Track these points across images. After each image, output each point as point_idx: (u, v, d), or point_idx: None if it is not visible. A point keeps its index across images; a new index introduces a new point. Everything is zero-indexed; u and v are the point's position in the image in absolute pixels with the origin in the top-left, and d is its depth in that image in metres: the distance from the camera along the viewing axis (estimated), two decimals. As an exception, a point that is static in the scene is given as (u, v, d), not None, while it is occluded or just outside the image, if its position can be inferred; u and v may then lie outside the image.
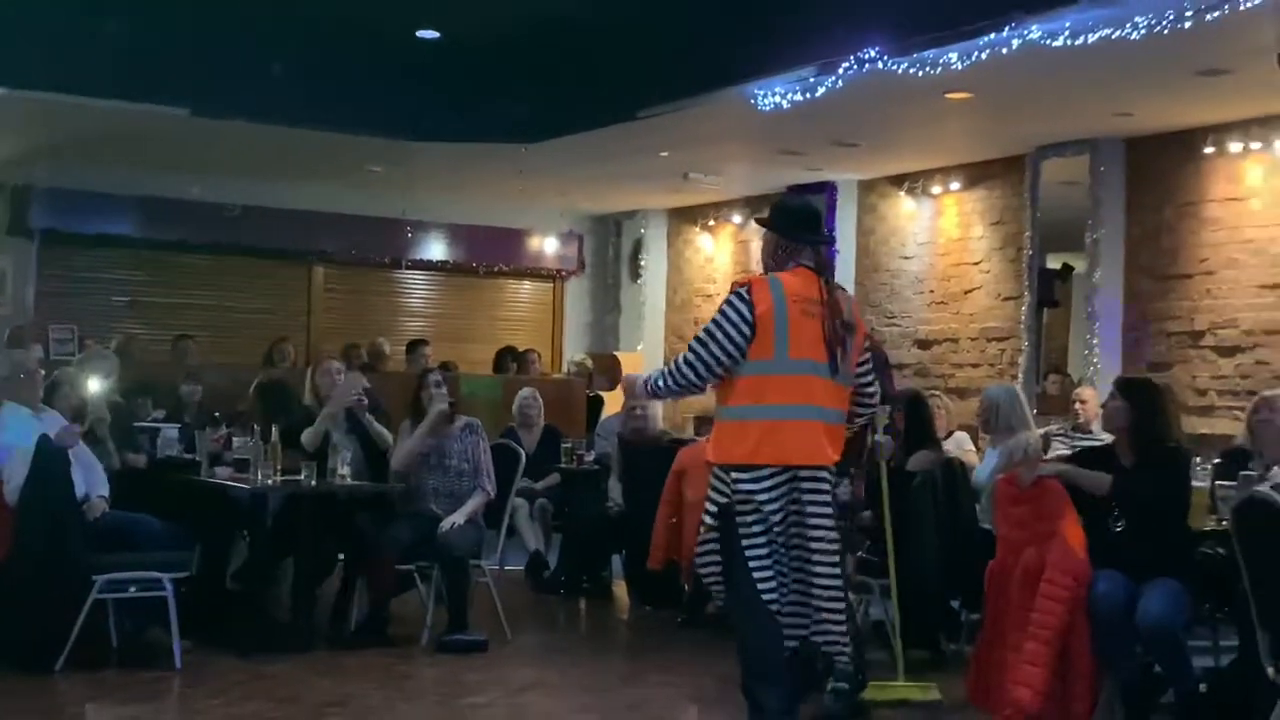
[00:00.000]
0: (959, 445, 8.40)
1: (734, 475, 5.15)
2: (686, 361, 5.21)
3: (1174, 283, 10.09)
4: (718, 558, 5.26)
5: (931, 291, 11.98)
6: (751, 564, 5.13)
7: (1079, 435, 8.53)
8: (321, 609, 7.34)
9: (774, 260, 5.41)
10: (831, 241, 5.68)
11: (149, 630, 6.83)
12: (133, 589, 6.50)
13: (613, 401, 11.61)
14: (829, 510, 5.21)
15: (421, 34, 10.46)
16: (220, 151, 11.87)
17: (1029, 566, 5.39)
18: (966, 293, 11.67)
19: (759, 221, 5.62)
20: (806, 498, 5.17)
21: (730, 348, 5.14)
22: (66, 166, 12.45)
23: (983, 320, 11.51)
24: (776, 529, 5.15)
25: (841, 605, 5.26)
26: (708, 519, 5.26)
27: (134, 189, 13.06)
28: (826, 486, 5.22)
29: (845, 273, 12.36)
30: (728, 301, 5.20)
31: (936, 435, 7.46)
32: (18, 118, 10.78)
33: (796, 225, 5.49)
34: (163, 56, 9.95)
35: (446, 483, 7.44)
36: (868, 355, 5.50)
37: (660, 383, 5.33)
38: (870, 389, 5.50)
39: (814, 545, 5.17)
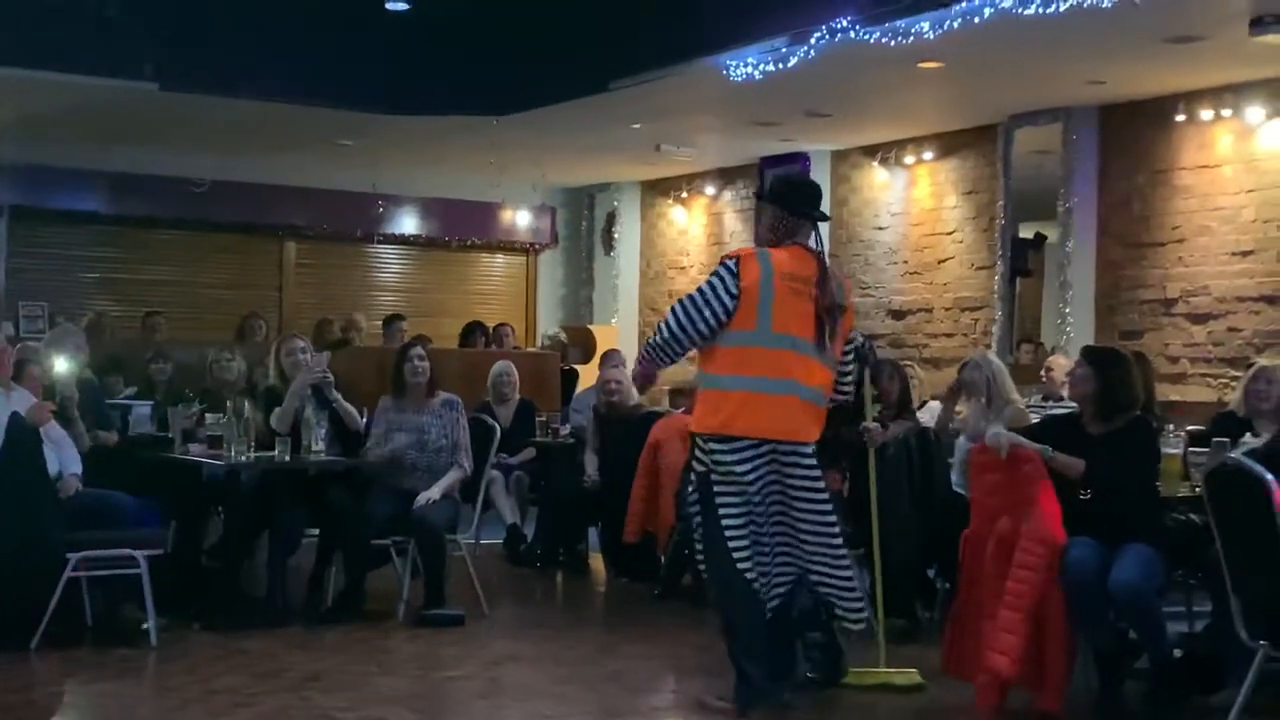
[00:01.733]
0: (933, 415, 8.40)
1: (710, 445, 5.18)
2: (667, 326, 5.26)
3: (1146, 251, 10.13)
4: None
5: (905, 262, 11.99)
6: (728, 534, 5.18)
7: (1050, 405, 8.53)
8: (297, 584, 7.32)
9: (773, 234, 5.42)
10: (827, 219, 5.69)
11: (124, 608, 6.80)
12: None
13: (587, 375, 11.60)
14: (814, 483, 5.28)
15: (391, 6, 10.40)
16: (189, 126, 11.78)
17: (1004, 534, 5.41)
18: (940, 263, 11.68)
19: (758, 195, 5.62)
20: (789, 471, 5.24)
21: (709, 316, 5.17)
22: (34, 142, 12.34)
23: (956, 290, 11.53)
24: (755, 499, 5.17)
25: (838, 559, 5.31)
26: (689, 489, 5.34)
27: (103, 164, 12.96)
28: (809, 461, 5.28)
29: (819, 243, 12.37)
30: (715, 272, 5.25)
31: (912, 405, 7.47)
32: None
33: (802, 201, 5.49)
34: (131, 30, 9.87)
35: (424, 458, 7.41)
36: (852, 344, 5.54)
37: (648, 348, 5.38)
38: (849, 376, 5.57)
39: (800, 515, 5.24)
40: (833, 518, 5.36)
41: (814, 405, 5.34)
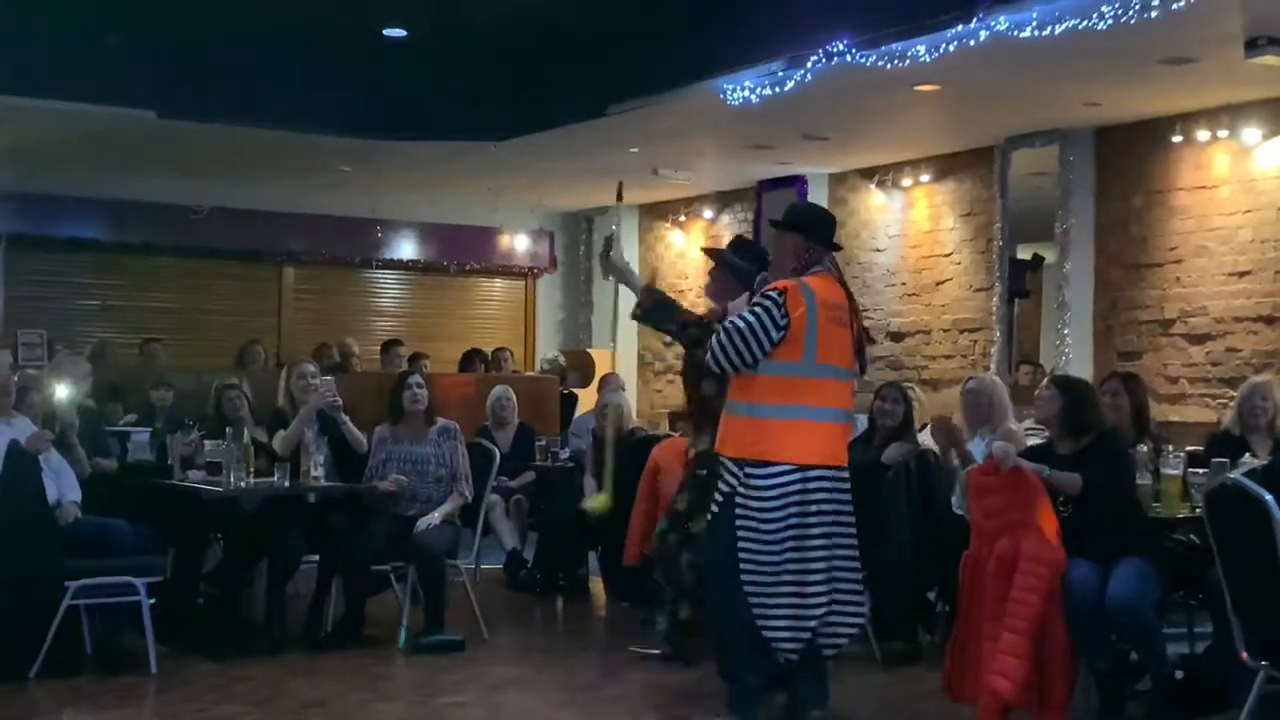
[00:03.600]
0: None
1: (748, 470, 5.24)
2: (711, 355, 5.32)
3: (1144, 271, 10.14)
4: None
5: (903, 284, 12.01)
6: (742, 555, 5.23)
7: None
8: (297, 611, 7.31)
9: (796, 262, 5.49)
10: (840, 249, 5.84)
11: (123, 635, 6.79)
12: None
13: (586, 399, 11.60)
14: (850, 504, 5.43)
15: (389, 32, 10.43)
16: (187, 153, 11.80)
17: (1003, 556, 5.40)
18: (938, 284, 11.70)
19: (776, 224, 5.69)
20: (838, 495, 5.39)
21: (755, 348, 5.26)
22: (32, 170, 12.35)
23: (954, 312, 11.54)
24: (784, 524, 5.26)
25: (857, 583, 5.49)
26: (714, 506, 5.42)
27: (102, 192, 12.98)
28: (848, 483, 5.43)
29: (817, 266, 12.38)
30: (761, 305, 5.30)
31: (914, 427, 7.47)
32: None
33: (824, 229, 5.61)
34: (129, 59, 9.90)
35: (424, 489, 7.40)
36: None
37: (712, 346, 5.34)
38: None
39: (842, 537, 5.39)
40: (856, 541, 5.50)
41: (849, 426, 5.59)
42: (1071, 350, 10.28)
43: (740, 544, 5.29)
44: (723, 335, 5.28)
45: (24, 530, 6.31)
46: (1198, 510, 5.40)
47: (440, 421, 7.56)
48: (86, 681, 6.39)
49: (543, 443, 9.68)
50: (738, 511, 5.30)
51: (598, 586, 9.04)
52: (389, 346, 12.73)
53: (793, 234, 5.53)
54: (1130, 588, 5.30)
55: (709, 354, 5.35)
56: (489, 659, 6.99)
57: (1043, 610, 5.27)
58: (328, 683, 6.36)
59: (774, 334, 5.23)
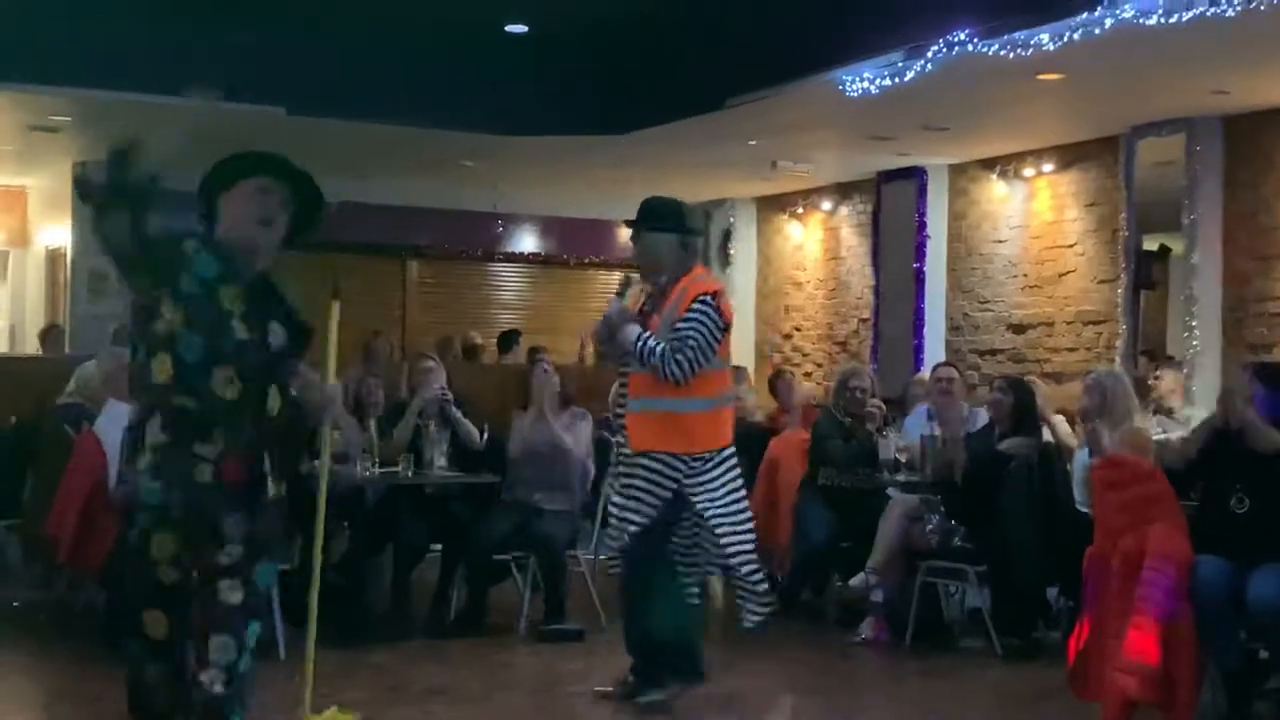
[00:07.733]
0: (1063, 432, 8.26)
1: (695, 464, 5.53)
2: (690, 361, 5.48)
3: (1274, 262, 9.90)
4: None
5: (1025, 275, 11.85)
6: (677, 550, 5.72)
7: (1164, 420, 8.14)
8: (421, 599, 7.44)
9: (676, 260, 5.66)
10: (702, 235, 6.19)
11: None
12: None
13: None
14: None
15: (510, 28, 10.54)
16: (316, 149, 12.00)
17: (1129, 552, 5.33)
18: (1061, 276, 11.53)
19: (641, 227, 5.75)
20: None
21: (708, 356, 5.53)
22: (163, 168, 12.65)
23: (1078, 304, 11.37)
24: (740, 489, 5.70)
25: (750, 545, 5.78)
26: (653, 502, 5.55)
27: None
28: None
29: (937, 258, 12.27)
30: (710, 316, 5.53)
31: (1038, 421, 7.38)
32: (115, 121, 10.99)
33: (695, 223, 5.86)
34: (258, 57, 10.12)
35: (555, 474, 7.48)
36: None
37: (672, 363, 5.49)
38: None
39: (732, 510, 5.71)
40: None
41: None
42: (1200, 343, 10.08)
43: (720, 510, 5.56)
44: (686, 352, 5.45)
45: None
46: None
47: (572, 407, 7.66)
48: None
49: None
50: (704, 499, 5.54)
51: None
52: (507, 338, 12.87)
53: (666, 235, 5.66)
54: (1278, 592, 5.18)
55: (668, 370, 5.45)
56: (608, 649, 7.03)
57: (1169, 606, 5.19)
58: (450, 670, 6.47)
59: (717, 342, 5.54)
